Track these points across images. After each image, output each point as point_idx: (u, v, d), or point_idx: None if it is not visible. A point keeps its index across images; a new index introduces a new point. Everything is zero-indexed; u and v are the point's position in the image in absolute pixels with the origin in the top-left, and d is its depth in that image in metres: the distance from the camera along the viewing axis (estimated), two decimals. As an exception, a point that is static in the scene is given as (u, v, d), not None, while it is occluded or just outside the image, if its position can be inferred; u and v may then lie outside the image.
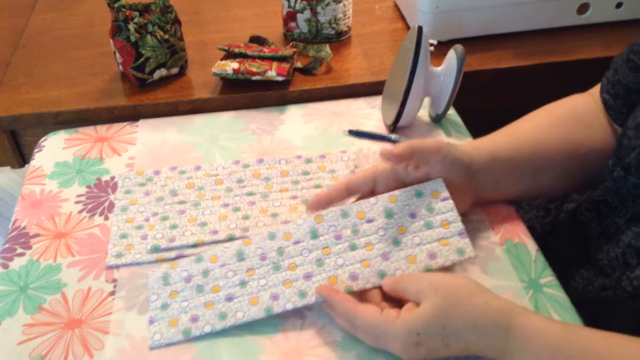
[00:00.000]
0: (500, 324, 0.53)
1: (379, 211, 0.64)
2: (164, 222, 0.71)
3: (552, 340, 0.51)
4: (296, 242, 0.64)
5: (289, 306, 0.60)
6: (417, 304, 0.55)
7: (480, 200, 0.69)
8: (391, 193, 0.65)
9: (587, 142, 0.70)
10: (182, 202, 0.73)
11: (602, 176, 0.70)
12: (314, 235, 0.64)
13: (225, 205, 0.73)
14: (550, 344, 0.51)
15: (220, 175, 0.77)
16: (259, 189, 0.75)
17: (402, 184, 0.66)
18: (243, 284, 0.62)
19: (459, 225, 0.63)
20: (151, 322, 0.60)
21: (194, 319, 0.60)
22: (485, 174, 0.67)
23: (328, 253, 0.63)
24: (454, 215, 0.63)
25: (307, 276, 0.61)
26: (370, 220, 0.64)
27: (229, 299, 0.61)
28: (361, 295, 0.60)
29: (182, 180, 0.76)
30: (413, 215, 0.64)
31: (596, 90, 0.73)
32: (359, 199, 0.67)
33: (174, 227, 0.70)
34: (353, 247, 0.63)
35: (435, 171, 0.65)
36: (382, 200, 0.65)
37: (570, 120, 0.72)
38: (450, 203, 0.64)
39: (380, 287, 0.60)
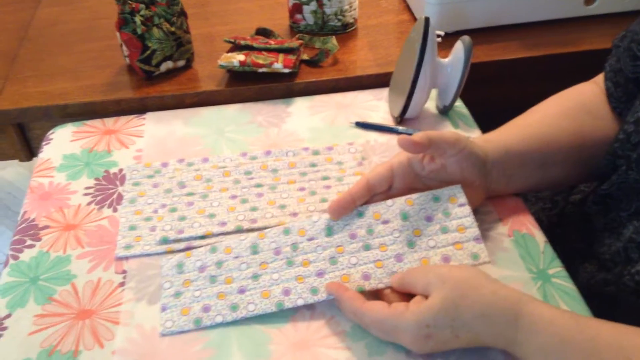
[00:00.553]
0: (509, 314, 0.53)
1: (395, 213, 0.64)
2: (172, 213, 0.71)
3: (560, 330, 0.51)
4: (310, 239, 0.64)
5: (300, 302, 0.60)
6: (426, 297, 0.55)
7: (492, 194, 0.70)
8: (408, 196, 0.65)
9: (595, 132, 0.70)
10: (190, 194, 0.73)
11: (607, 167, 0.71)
12: (329, 232, 0.64)
13: (233, 197, 0.73)
14: (558, 334, 0.51)
15: (228, 167, 0.77)
16: (267, 181, 0.75)
17: (418, 179, 0.66)
18: (256, 276, 0.62)
19: (475, 231, 0.62)
20: (163, 309, 0.61)
21: (206, 309, 0.60)
22: (499, 169, 0.67)
23: (342, 252, 0.63)
24: (470, 220, 0.63)
25: (320, 273, 0.61)
26: (385, 222, 0.64)
27: (242, 291, 0.61)
28: (371, 293, 0.60)
29: (190, 172, 0.77)
30: (429, 219, 0.63)
31: (601, 78, 0.73)
32: (378, 195, 0.66)
33: (182, 218, 0.70)
34: (367, 247, 0.63)
35: (450, 163, 0.64)
36: (399, 203, 0.65)
37: (578, 110, 0.71)
38: (467, 209, 0.63)
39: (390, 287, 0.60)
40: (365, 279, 0.60)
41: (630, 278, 0.60)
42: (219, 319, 0.60)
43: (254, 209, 0.71)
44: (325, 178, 0.76)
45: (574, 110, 0.72)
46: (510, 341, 0.53)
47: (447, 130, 0.83)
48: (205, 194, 0.73)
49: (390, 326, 0.55)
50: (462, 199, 0.64)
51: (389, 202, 0.65)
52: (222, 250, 0.65)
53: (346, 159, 0.79)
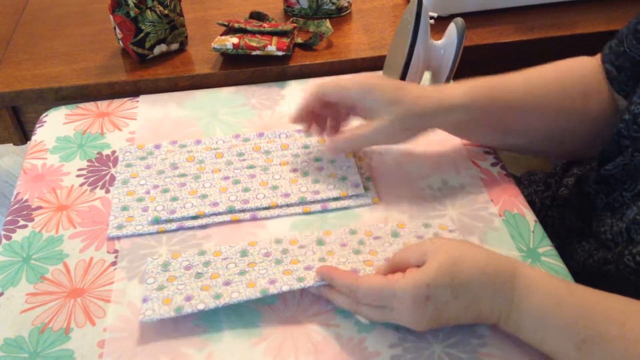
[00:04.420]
0: (506, 273, 0.54)
1: (387, 232, 0.66)
2: (164, 194, 0.71)
3: (554, 290, 0.53)
4: (301, 247, 0.64)
5: (286, 288, 0.58)
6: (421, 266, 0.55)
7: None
8: (400, 220, 0.68)
9: (581, 108, 0.70)
10: (182, 175, 0.74)
11: (589, 145, 0.71)
12: (320, 243, 0.65)
13: (226, 178, 0.73)
14: (553, 294, 0.53)
15: (221, 148, 0.77)
16: (259, 162, 0.75)
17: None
18: (243, 272, 0.62)
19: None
20: (145, 300, 0.59)
21: (188, 298, 0.59)
22: (449, 129, 0.71)
23: (332, 255, 0.63)
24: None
25: (308, 268, 0.61)
26: (377, 237, 0.65)
27: (227, 283, 0.60)
28: None
29: (183, 153, 0.77)
30: (420, 237, 0.65)
31: (598, 58, 0.72)
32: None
33: (174, 199, 0.70)
34: (357, 252, 0.63)
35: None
36: (391, 225, 0.66)
37: (569, 84, 0.71)
38: (458, 236, 0.66)
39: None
40: (355, 273, 0.60)
41: (631, 258, 0.60)
42: (201, 307, 0.58)
43: (246, 190, 0.71)
44: (317, 160, 0.76)
45: (563, 83, 0.71)
46: (508, 301, 0.53)
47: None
48: (198, 175, 0.74)
49: (388, 294, 0.53)
50: (453, 227, 0.66)
51: (381, 224, 0.67)
52: (211, 253, 0.64)
53: None
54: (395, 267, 0.57)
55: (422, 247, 0.55)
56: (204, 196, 0.71)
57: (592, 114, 0.70)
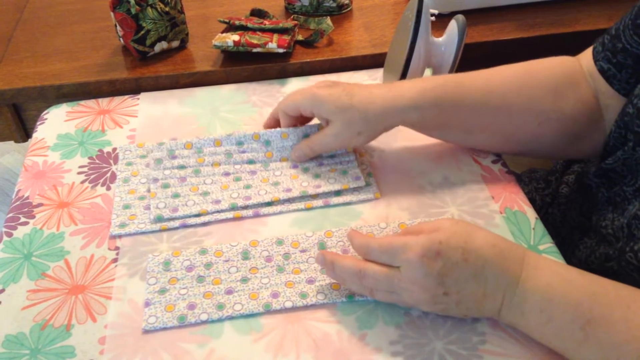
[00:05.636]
0: (516, 251, 0.55)
1: (388, 233, 0.66)
2: (165, 190, 0.71)
3: (563, 271, 0.54)
4: (303, 251, 0.64)
5: (288, 304, 0.59)
6: None
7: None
8: (401, 218, 0.68)
9: (551, 109, 0.69)
10: (181, 167, 0.73)
11: (564, 147, 0.71)
12: (322, 247, 0.65)
13: (226, 174, 0.73)
14: (562, 272, 0.54)
15: (219, 137, 0.76)
16: (259, 156, 0.75)
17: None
18: (245, 280, 0.62)
19: None
20: (147, 304, 0.59)
21: (191, 307, 0.59)
22: (409, 126, 0.70)
23: None
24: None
25: (310, 280, 0.61)
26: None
27: (229, 292, 0.60)
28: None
29: (181, 140, 0.76)
30: None
31: (584, 57, 0.71)
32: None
33: (176, 195, 0.70)
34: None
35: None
36: (392, 226, 0.67)
37: (536, 85, 0.70)
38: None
39: None
40: None
41: (633, 255, 0.60)
42: (204, 317, 0.58)
43: (247, 187, 0.71)
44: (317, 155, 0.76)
45: (528, 83, 0.70)
46: (515, 276, 0.54)
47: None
48: (197, 169, 0.73)
49: (399, 248, 0.54)
50: None
51: (383, 224, 0.67)
52: (212, 253, 0.64)
53: None
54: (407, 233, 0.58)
55: (436, 222, 0.56)
56: (205, 193, 0.71)
57: (566, 114, 0.69)
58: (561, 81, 0.70)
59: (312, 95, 0.70)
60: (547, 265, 0.54)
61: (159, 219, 0.68)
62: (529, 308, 0.53)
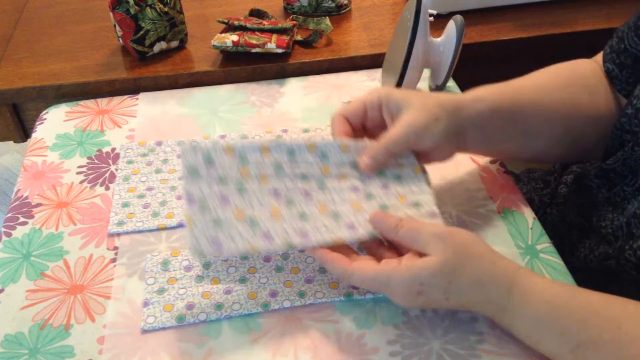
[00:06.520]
0: (503, 284, 0.53)
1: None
2: (204, 215, 0.57)
3: (551, 298, 0.53)
4: (301, 250, 0.64)
5: (287, 304, 0.59)
6: (420, 254, 0.54)
7: (465, 151, 0.66)
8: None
9: (590, 108, 0.69)
10: (221, 180, 0.59)
11: (597, 147, 0.70)
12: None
13: (277, 194, 0.60)
14: (549, 301, 0.52)
15: (267, 142, 0.62)
16: (314, 171, 0.61)
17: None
18: (243, 279, 0.62)
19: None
20: (145, 304, 0.59)
21: (190, 306, 0.59)
22: (475, 129, 0.63)
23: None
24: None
25: (309, 280, 0.61)
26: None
27: (228, 291, 0.60)
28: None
29: (219, 143, 0.61)
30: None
31: (600, 57, 0.72)
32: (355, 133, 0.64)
33: (217, 223, 0.57)
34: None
35: None
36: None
37: (576, 83, 0.70)
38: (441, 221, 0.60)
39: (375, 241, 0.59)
40: (355, 288, 0.61)
41: (632, 253, 0.60)
42: (202, 317, 0.58)
43: (302, 217, 0.59)
44: (381, 173, 0.63)
45: (571, 81, 0.70)
46: (500, 308, 0.53)
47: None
48: (242, 186, 0.59)
49: (382, 283, 0.54)
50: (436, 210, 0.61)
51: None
52: None
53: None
54: (396, 239, 0.56)
55: (427, 234, 0.54)
56: (253, 223, 0.57)
57: (600, 115, 0.69)
58: (591, 82, 0.70)
59: (380, 89, 0.63)
60: (536, 292, 0.53)
61: (198, 254, 0.55)
62: (517, 332, 0.54)
